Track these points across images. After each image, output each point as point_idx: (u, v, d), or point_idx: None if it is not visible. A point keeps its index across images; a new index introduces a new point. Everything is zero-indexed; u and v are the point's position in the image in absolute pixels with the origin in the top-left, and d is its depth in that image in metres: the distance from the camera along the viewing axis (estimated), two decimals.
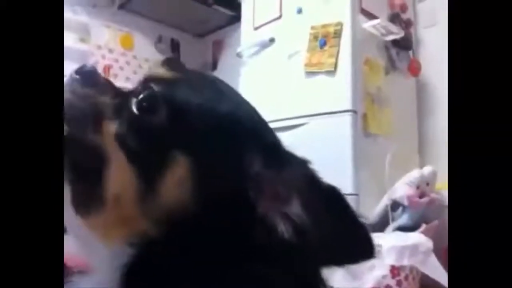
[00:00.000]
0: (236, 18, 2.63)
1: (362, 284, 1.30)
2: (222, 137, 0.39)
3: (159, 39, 3.13)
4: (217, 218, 0.37)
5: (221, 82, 0.45)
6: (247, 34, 2.17)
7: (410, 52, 2.00)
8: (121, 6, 2.82)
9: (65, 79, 0.43)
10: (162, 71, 0.43)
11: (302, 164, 0.39)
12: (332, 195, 0.38)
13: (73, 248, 0.43)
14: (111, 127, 0.40)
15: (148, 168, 0.38)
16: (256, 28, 2.10)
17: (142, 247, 0.37)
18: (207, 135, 0.39)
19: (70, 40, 2.56)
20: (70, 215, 0.40)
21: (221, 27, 3.10)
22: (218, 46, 3.19)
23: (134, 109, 0.40)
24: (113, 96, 0.43)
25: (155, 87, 0.40)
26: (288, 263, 0.36)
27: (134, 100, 0.40)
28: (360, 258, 0.39)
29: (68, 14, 2.55)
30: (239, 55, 2.18)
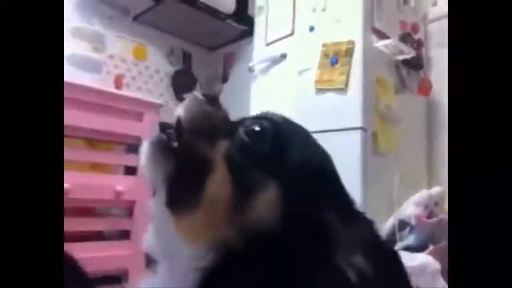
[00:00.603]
0: (248, 33, 2.66)
1: None
2: (309, 182, 0.46)
3: (171, 51, 3.17)
4: (293, 249, 0.42)
5: (312, 136, 0.52)
6: (259, 49, 2.20)
7: (421, 72, 2.01)
8: (136, 18, 2.87)
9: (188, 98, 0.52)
10: (272, 114, 0.52)
11: (369, 224, 0.46)
12: (392, 257, 0.44)
13: (151, 244, 0.48)
14: (222, 144, 0.48)
15: (244, 184, 0.44)
16: (268, 44, 2.13)
17: (222, 254, 0.42)
18: (298, 176, 0.45)
19: (83, 49, 2.60)
20: (160, 214, 0.47)
21: (232, 41, 3.13)
22: (229, 59, 3.22)
23: (244, 136, 0.48)
24: (226, 121, 0.52)
25: (266, 124, 0.48)
26: None
27: (243, 129, 0.49)
28: None
29: (84, 25, 2.60)
30: (250, 70, 2.20)
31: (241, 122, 0.51)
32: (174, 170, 0.47)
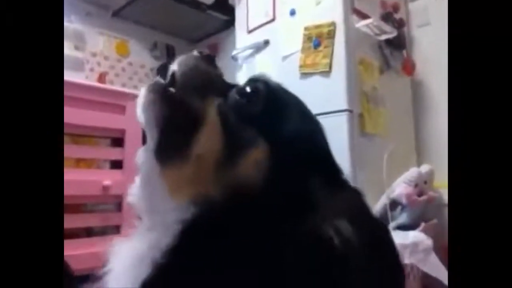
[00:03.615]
0: (230, 23, 2.64)
1: None
2: (298, 146, 0.45)
3: (154, 45, 3.14)
4: (277, 207, 0.41)
5: (305, 104, 0.52)
6: (241, 37, 2.18)
7: (404, 52, 2.01)
8: (115, 14, 2.82)
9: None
10: (266, 77, 0.52)
11: (357, 193, 0.45)
12: (378, 226, 0.44)
13: (137, 196, 0.49)
14: (215, 100, 0.48)
15: (235, 140, 0.44)
16: (250, 32, 2.11)
17: (204, 208, 0.41)
18: (288, 137, 0.45)
19: (65, 48, 2.56)
20: (148, 165, 0.47)
21: (215, 32, 3.11)
22: (213, 51, 3.20)
23: (237, 95, 0.48)
24: (220, 80, 0.52)
25: (260, 85, 0.49)
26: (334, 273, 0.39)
27: (237, 89, 0.49)
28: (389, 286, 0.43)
29: (64, 23, 2.56)
30: (234, 58, 2.18)
31: (235, 85, 0.51)
32: (167, 117, 0.47)
